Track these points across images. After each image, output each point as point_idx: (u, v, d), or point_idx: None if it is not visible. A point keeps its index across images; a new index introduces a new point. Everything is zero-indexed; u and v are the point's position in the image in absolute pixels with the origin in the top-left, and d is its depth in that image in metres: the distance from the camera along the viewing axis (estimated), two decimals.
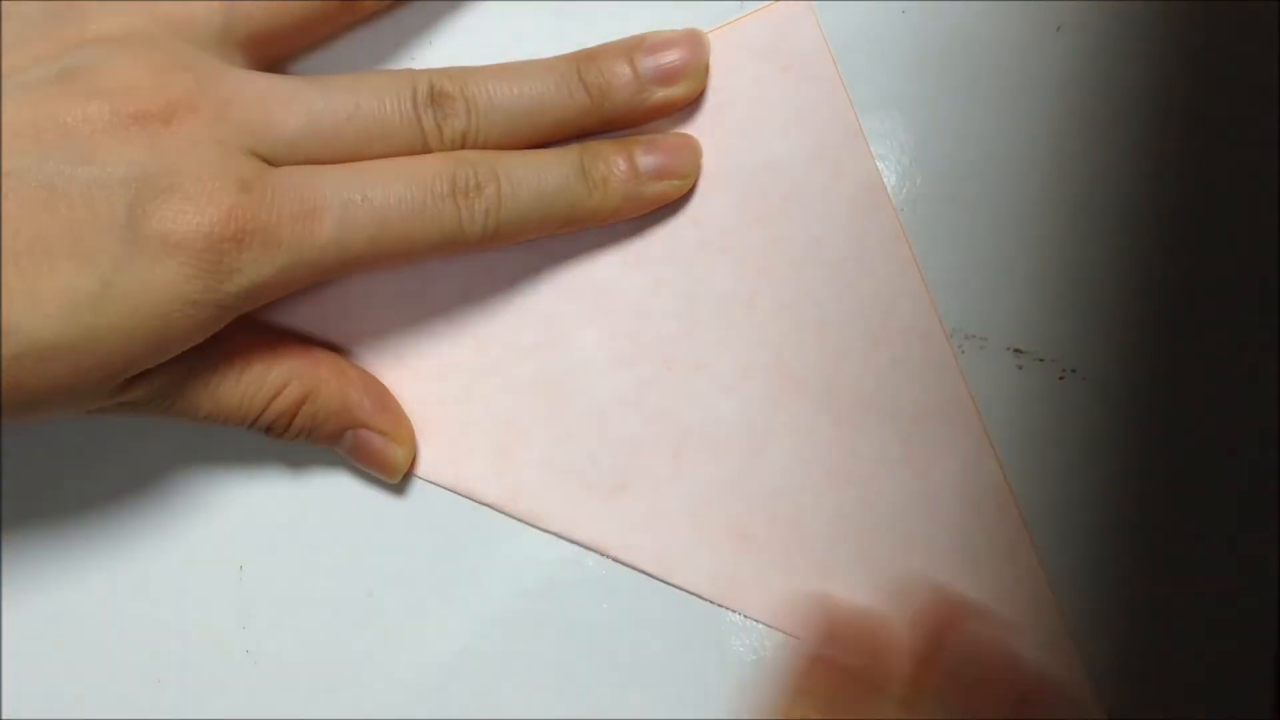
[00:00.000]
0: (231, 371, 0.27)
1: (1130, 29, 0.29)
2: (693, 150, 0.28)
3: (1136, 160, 0.29)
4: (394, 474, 0.29)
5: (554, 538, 0.30)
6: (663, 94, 0.28)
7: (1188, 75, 0.29)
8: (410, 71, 0.27)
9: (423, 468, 0.30)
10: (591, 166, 0.27)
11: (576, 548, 0.30)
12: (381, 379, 0.29)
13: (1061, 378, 0.29)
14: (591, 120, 0.27)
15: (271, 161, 0.25)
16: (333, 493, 0.30)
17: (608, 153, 0.28)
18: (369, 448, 0.29)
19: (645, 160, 0.28)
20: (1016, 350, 0.29)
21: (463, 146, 0.27)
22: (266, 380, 0.27)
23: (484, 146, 0.27)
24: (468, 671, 0.30)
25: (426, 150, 0.26)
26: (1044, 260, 0.29)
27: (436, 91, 0.26)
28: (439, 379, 0.30)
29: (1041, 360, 0.29)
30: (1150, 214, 0.29)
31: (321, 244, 0.25)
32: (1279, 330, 0.29)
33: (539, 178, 0.27)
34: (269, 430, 0.28)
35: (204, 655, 0.30)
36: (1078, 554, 0.29)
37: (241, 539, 0.30)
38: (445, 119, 0.26)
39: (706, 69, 0.28)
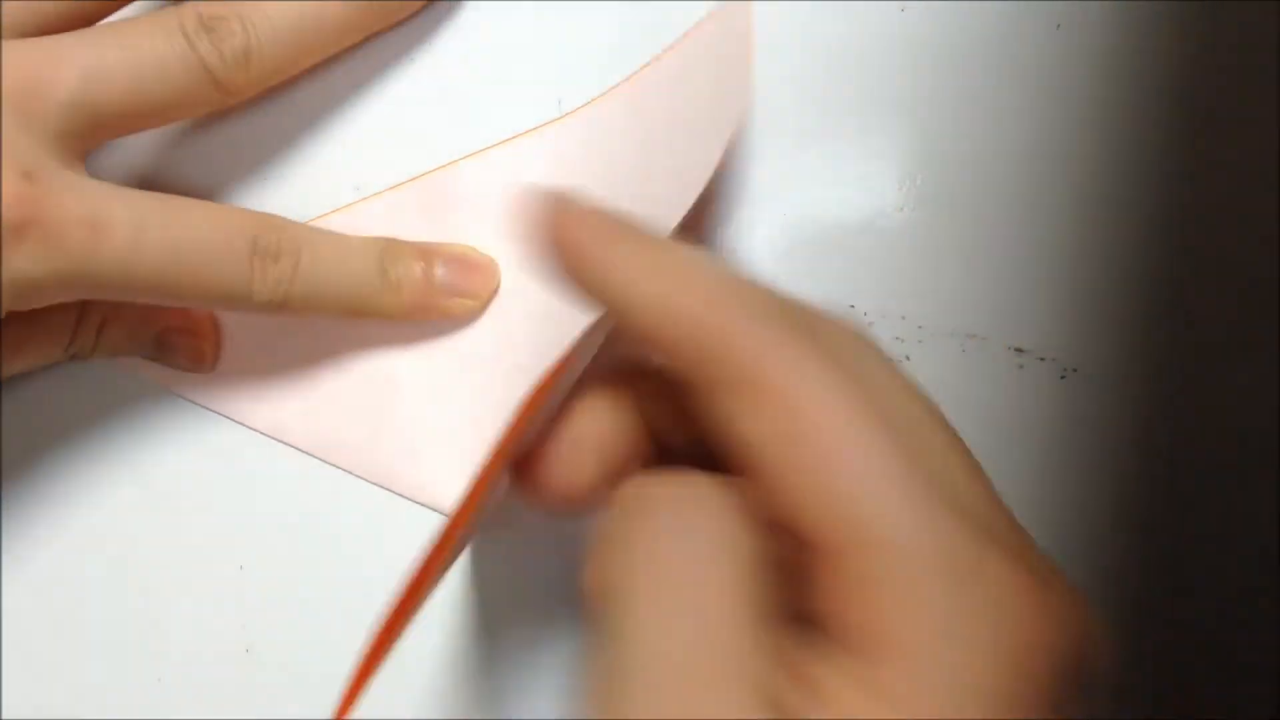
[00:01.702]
0: (22, 321, 0.26)
1: (1129, 27, 0.29)
2: (488, 275, 0.29)
3: (1136, 158, 0.29)
4: (205, 364, 0.29)
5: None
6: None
7: (1187, 73, 0.29)
8: (178, 5, 0.26)
9: (411, 489, 0.30)
10: (391, 266, 0.27)
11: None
12: (372, 399, 0.29)
13: (1063, 376, 0.29)
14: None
15: (50, 131, 0.24)
16: (333, 493, 0.30)
17: (409, 258, 0.28)
18: (178, 344, 0.29)
19: (442, 274, 0.28)
20: (1017, 349, 0.29)
21: (247, 69, 0.26)
22: (59, 319, 0.27)
23: (268, 66, 0.26)
24: (466, 670, 0.30)
25: (213, 83, 0.25)
26: (1044, 259, 0.29)
27: (207, 17, 0.25)
28: (431, 402, 0.29)
29: (1043, 359, 0.29)
30: (1151, 212, 0.29)
31: (107, 260, 0.23)
32: (1279, 329, 0.29)
33: (339, 263, 0.27)
34: (74, 357, 0.28)
35: (204, 655, 0.30)
36: (1079, 552, 0.29)
37: (241, 539, 0.30)
38: (222, 41, 0.25)
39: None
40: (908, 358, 0.29)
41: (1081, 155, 0.29)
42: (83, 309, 0.27)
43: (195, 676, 0.30)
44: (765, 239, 0.30)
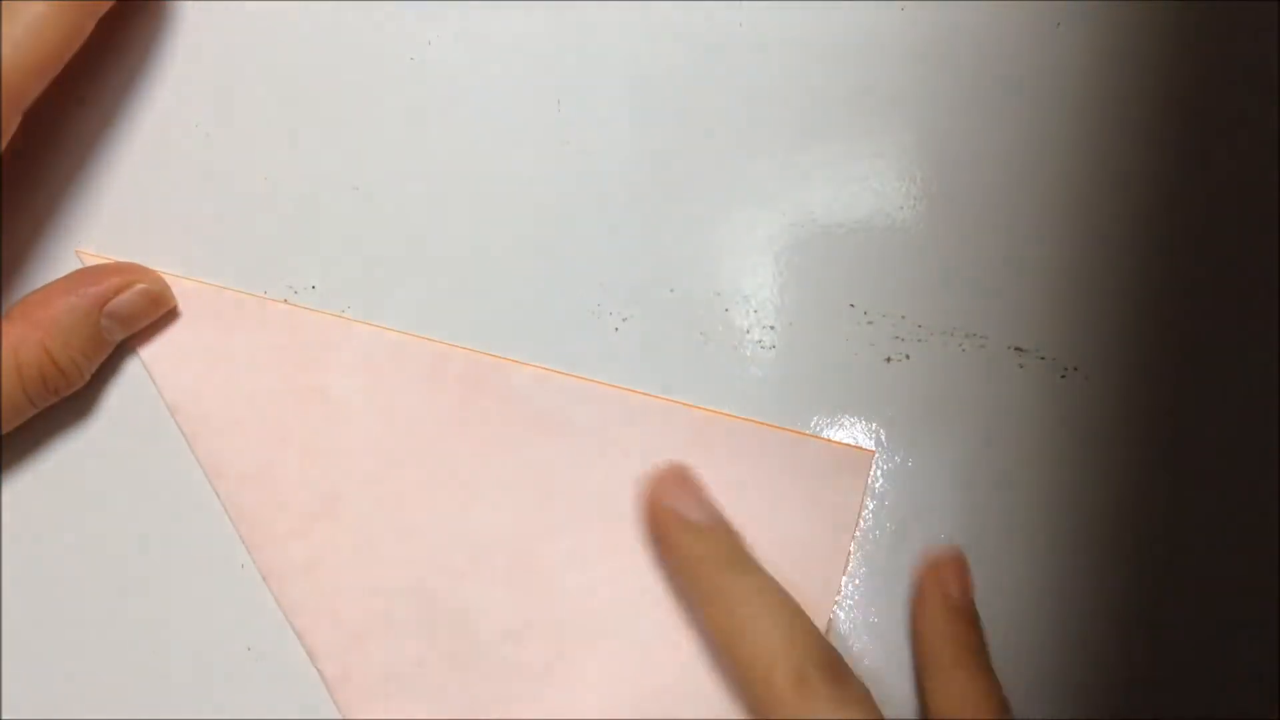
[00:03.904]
0: None
1: (1130, 25, 0.29)
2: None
3: (1136, 157, 0.29)
4: (165, 304, 0.29)
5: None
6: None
7: (1187, 72, 0.29)
8: None
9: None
10: None
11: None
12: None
13: (1063, 376, 0.29)
14: None
15: None
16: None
17: None
18: (129, 310, 0.29)
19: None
20: (1018, 349, 0.29)
21: None
22: None
23: None
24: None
25: None
26: (1045, 259, 0.29)
27: None
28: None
29: (1043, 359, 0.29)
30: (1151, 211, 0.29)
31: None
32: (1279, 329, 0.29)
33: None
34: (59, 394, 0.28)
35: (205, 653, 0.30)
36: (1079, 552, 0.29)
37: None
38: None
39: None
40: (907, 357, 0.29)
41: (1081, 155, 0.29)
42: (14, 362, 0.27)
43: (195, 676, 0.30)
44: (765, 239, 0.30)
